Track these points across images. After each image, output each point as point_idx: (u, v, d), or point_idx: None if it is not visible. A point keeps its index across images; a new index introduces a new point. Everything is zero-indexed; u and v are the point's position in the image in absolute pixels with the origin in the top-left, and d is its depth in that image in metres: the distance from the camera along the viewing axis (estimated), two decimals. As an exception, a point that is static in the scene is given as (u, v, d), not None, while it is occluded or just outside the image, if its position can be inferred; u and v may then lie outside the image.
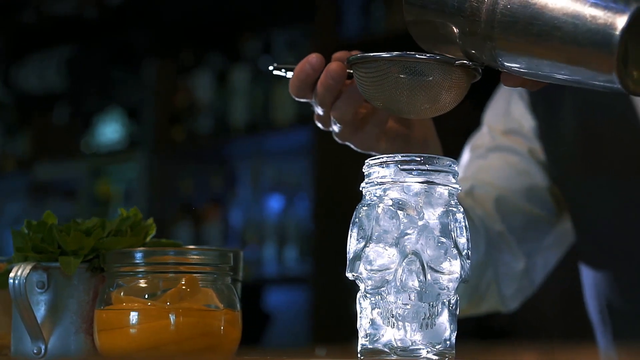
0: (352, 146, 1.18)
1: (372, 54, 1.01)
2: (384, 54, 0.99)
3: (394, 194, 0.98)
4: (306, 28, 3.60)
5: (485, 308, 1.44)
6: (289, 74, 1.14)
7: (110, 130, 4.11)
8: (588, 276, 1.44)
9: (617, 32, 0.89)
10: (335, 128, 1.16)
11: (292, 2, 3.65)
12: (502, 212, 1.41)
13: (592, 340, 1.45)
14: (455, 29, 0.98)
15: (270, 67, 1.15)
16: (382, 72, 1.00)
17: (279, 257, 3.64)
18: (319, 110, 1.14)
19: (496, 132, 1.48)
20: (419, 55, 0.99)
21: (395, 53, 0.99)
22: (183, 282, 0.97)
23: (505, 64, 0.97)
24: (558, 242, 1.47)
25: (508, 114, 1.47)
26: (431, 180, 0.97)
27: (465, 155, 1.50)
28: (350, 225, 0.99)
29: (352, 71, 1.06)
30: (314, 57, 1.11)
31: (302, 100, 1.14)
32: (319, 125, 1.18)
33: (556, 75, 0.95)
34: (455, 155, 1.41)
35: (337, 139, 1.18)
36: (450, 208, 0.97)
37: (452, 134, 1.55)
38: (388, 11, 3.38)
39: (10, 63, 4.42)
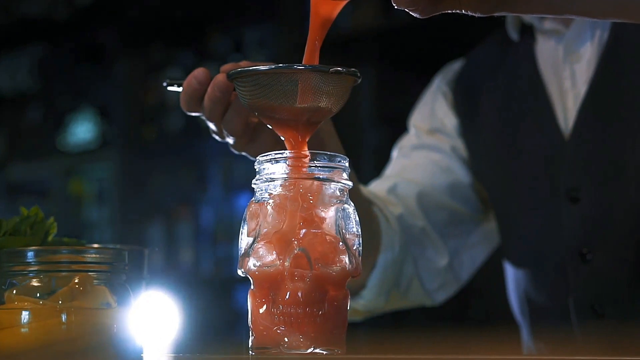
0: (249, 156, 1.16)
1: (249, 68, 0.99)
2: (262, 67, 0.98)
3: (283, 190, 0.98)
4: (276, 25, 3.59)
5: (409, 303, 1.44)
6: (181, 89, 1.13)
7: (82, 130, 4.10)
8: (510, 272, 1.44)
9: None
10: (230, 140, 1.14)
11: (261, 0, 3.64)
12: (425, 208, 1.41)
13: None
14: None
15: (164, 84, 1.15)
16: (261, 85, 0.98)
17: (249, 255, 3.63)
18: (209, 124, 1.13)
19: (421, 132, 1.48)
20: (297, 66, 0.97)
21: (272, 66, 0.98)
22: (76, 281, 0.98)
23: None
24: (485, 240, 1.47)
25: (432, 113, 1.48)
26: (321, 176, 0.97)
27: (393, 155, 1.50)
28: (242, 222, 0.99)
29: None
30: (199, 71, 1.10)
31: (193, 114, 1.13)
32: (216, 137, 1.16)
33: None
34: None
35: (233, 150, 1.16)
36: (340, 204, 0.97)
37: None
38: (355, 8, 3.38)
39: (-19, 64, 4.42)
